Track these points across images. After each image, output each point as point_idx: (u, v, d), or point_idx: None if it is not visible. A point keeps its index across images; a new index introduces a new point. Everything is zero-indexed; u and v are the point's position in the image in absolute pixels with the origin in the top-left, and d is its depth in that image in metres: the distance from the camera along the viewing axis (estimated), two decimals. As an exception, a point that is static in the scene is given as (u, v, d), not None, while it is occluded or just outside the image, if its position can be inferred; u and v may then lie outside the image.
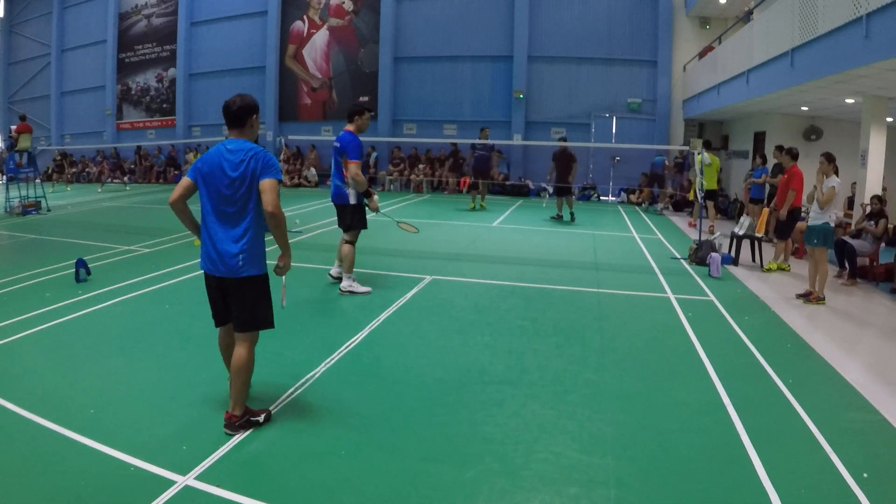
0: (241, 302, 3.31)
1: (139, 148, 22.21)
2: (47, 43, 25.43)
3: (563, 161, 11.97)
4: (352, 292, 6.15)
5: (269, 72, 20.53)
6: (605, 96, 17.69)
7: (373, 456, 3.10)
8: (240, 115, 3.28)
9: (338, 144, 5.94)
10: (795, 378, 4.24)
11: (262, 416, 3.37)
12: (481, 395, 3.86)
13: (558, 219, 12.12)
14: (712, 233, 11.34)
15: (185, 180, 3.31)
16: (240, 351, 3.30)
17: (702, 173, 9.41)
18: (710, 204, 11.74)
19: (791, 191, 7.93)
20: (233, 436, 3.23)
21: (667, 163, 15.99)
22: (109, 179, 21.12)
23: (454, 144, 18.00)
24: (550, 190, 12.40)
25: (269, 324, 3.39)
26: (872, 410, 3.77)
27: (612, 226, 12.12)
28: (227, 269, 3.26)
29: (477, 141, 13.63)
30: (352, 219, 6.13)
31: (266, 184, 3.16)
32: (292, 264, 3.42)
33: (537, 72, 18.04)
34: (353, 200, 6.03)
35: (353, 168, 5.81)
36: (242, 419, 3.29)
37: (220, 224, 3.27)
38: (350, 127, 6.05)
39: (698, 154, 9.51)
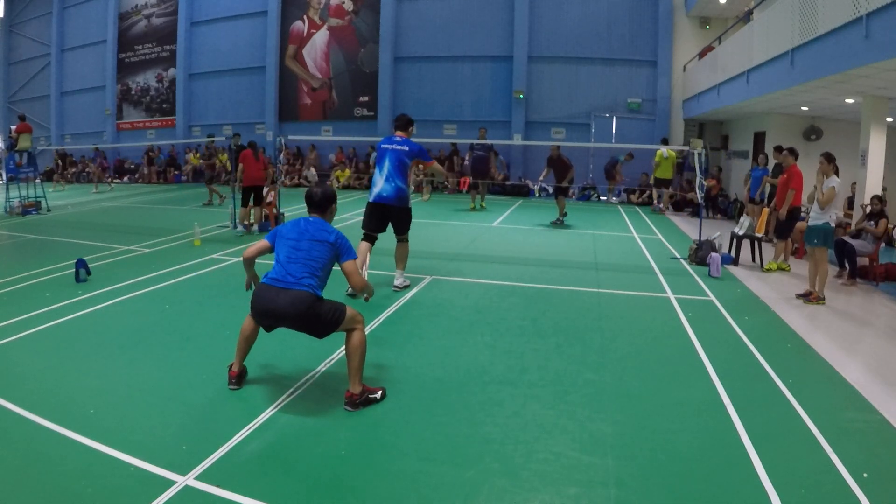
0: (312, 321, 3.58)
1: (152, 148, 22.03)
2: (47, 43, 25.43)
3: (558, 167, 11.86)
4: (406, 286, 6.43)
5: (269, 72, 20.54)
6: (605, 96, 17.69)
7: (373, 456, 3.10)
8: (322, 203, 3.83)
9: (406, 148, 6.21)
10: (795, 378, 4.24)
11: (380, 394, 3.74)
12: (481, 395, 3.87)
13: (559, 223, 11.95)
14: (662, 213, 14.43)
15: (264, 242, 3.81)
16: (350, 336, 3.64)
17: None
18: (663, 191, 14.73)
19: (790, 190, 7.93)
20: (353, 409, 3.57)
21: (619, 165, 16.35)
22: (108, 180, 21.10)
23: (454, 144, 18.00)
24: (549, 190, 12.29)
25: (340, 321, 3.63)
26: (872, 410, 3.78)
27: (612, 226, 12.12)
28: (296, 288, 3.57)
29: (475, 141, 13.62)
30: (409, 219, 6.39)
31: (348, 267, 3.70)
32: None
33: (537, 72, 18.04)
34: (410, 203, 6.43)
35: (438, 165, 6.66)
36: (362, 397, 3.63)
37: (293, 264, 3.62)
38: (404, 134, 6.36)
39: (701, 150, 9.48)
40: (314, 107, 20.60)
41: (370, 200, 6.27)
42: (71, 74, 25.10)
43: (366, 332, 3.62)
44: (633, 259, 8.59)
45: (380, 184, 6.20)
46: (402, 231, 6.34)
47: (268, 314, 3.57)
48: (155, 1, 22.89)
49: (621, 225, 12.26)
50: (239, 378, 3.86)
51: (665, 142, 15.11)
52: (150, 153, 22.15)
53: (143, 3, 23.22)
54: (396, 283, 6.41)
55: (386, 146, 6.25)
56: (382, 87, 19.20)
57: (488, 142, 13.90)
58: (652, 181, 15.28)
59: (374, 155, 18.92)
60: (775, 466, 3.05)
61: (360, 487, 2.81)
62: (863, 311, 6.44)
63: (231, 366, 3.88)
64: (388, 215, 6.28)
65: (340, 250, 3.70)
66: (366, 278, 6.15)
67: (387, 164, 6.18)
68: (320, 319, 3.55)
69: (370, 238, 6.34)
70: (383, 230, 6.38)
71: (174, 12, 22.28)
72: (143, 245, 8.74)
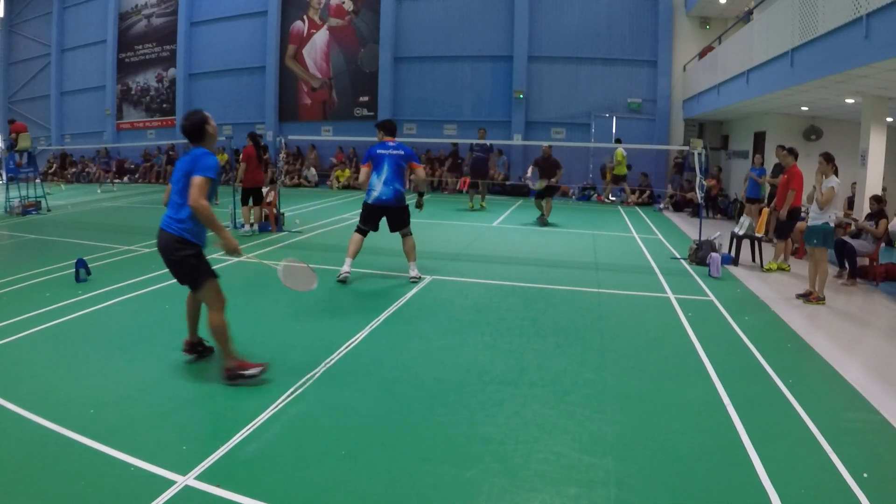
0: (177, 269, 3.87)
1: (173, 147, 21.84)
2: (47, 43, 25.42)
3: (546, 166, 11.64)
4: (419, 277, 6.72)
5: (269, 72, 20.53)
6: (605, 96, 17.69)
7: (373, 456, 3.10)
8: (193, 132, 3.84)
9: (402, 152, 6.57)
10: (795, 378, 4.24)
11: (257, 370, 3.84)
12: (481, 395, 3.87)
13: (542, 222, 11.64)
14: (609, 199, 16.39)
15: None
16: (210, 317, 3.86)
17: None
18: (626, 186, 16.23)
19: (791, 191, 7.93)
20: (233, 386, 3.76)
21: (611, 170, 16.77)
22: (109, 180, 21.10)
23: (454, 144, 18.00)
24: (534, 187, 11.80)
25: (199, 284, 3.84)
26: (872, 410, 3.78)
27: (612, 226, 12.12)
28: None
29: (475, 141, 13.61)
30: (408, 215, 6.72)
31: (195, 180, 3.63)
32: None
33: (537, 72, 18.04)
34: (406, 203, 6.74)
35: (423, 171, 6.84)
36: (234, 371, 3.81)
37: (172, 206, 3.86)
38: (393, 139, 6.69)
39: (701, 150, 9.49)
40: (314, 107, 20.60)
41: (369, 203, 6.60)
42: (71, 74, 25.08)
43: (361, 333, 3.61)
44: (632, 259, 8.60)
45: (379, 187, 6.53)
46: (403, 226, 6.68)
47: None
48: (155, 1, 22.88)
49: (621, 225, 12.26)
50: (191, 347, 4.22)
51: (619, 141, 16.01)
52: (171, 153, 21.92)
53: (143, 3, 23.22)
54: (413, 273, 6.72)
55: (382, 151, 6.56)
56: (382, 87, 19.19)
57: (488, 142, 13.87)
58: (609, 178, 16.42)
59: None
60: (775, 466, 3.05)
61: (360, 487, 2.81)
62: (863, 311, 6.44)
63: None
64: (387, 214, 6.65)
65: (195, 167, 3.64)
66: (349, 265, 6.49)
67: (385, 169, 6.50)
68: (182, 266, 3.74)
69: (363, 232, 6.73)
70: (376, 229, 6.79)
71: (174, 12, 22.27)
72: (143, 245, 8.73)
